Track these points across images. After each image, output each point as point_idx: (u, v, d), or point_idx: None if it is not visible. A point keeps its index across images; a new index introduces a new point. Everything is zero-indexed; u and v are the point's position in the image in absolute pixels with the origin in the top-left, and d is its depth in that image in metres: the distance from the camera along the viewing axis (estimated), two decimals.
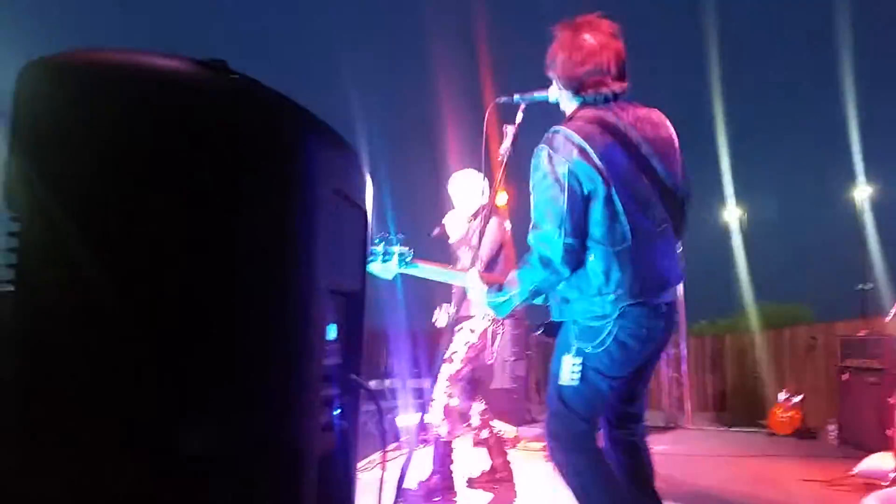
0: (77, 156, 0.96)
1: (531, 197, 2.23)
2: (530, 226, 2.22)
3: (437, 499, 3.99)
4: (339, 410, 1.11)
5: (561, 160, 2.14)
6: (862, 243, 15.20)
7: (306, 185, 1.05)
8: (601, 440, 2.41)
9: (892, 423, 4.63)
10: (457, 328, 4.11)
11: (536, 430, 6.85)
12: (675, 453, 6.30)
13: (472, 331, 4.06)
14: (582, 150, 2.13)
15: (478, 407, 4.28)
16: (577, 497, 2.29)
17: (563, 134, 2.18)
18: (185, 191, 0.96)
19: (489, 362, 4.14)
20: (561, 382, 2.22)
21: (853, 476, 4.82)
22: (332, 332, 1.10)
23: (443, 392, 3.95)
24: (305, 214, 1.02)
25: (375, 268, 2.86)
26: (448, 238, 4.22)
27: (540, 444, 5.85)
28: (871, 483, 4.52)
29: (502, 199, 7.54)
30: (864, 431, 5.84)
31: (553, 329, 2.38)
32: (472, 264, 3.92)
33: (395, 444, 5.62)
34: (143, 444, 0.89)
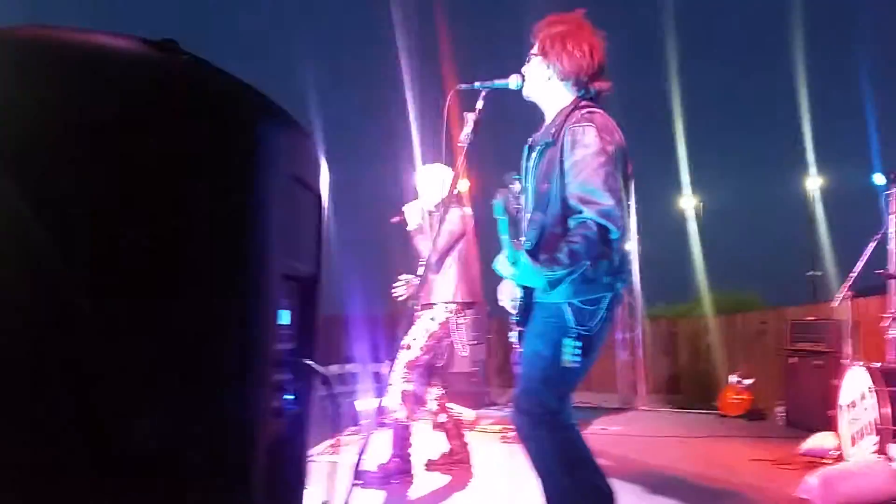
0: (15, 131, 0.93)
1: (573, 172, 2.23)
2: (577, 199, 2.20)
3: (395, 481, 4.02)
4: (291, 396, 1.11)
5: (609, 139, 2.25)
6: (812, 232, 15.68)
7: (258, 168, 1.03)
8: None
9: (835, 404, 4.82)
10: (417, 315, 4.13)
11: (495, 412, 6.95)
12: (628, 434, 6.45)
13: (433, 319, 4.08)
14: (618, 132, 2.31)
15: (435, 392, 4.32)
16: (541, 474, 2.34)
17: (601, 115, 2.31)
18: (127, 171, 0.94)
19: (463, 354, 4.19)
20: (561, 364, 2.25)
21: (798, 455, 5.01)
22: (285, 316, 1.09)
23: (400, 378, 3.98)
24: (257, 198, 1.01)
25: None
26: (406, 225, 4.23)
27: (498, 427, 5.93)
28: (815, 461, 4.70)
29: (464, 185, 7.56)
30: (810, 412, 6.05)
31: (530, 311, 2.40)
32: (433, 249, 3.92)
33: (354, 428, 5.63)
34: (86, 431, 0.87)
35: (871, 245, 5.04)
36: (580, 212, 2.20)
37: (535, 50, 2.49)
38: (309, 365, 1.13)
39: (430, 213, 4.26)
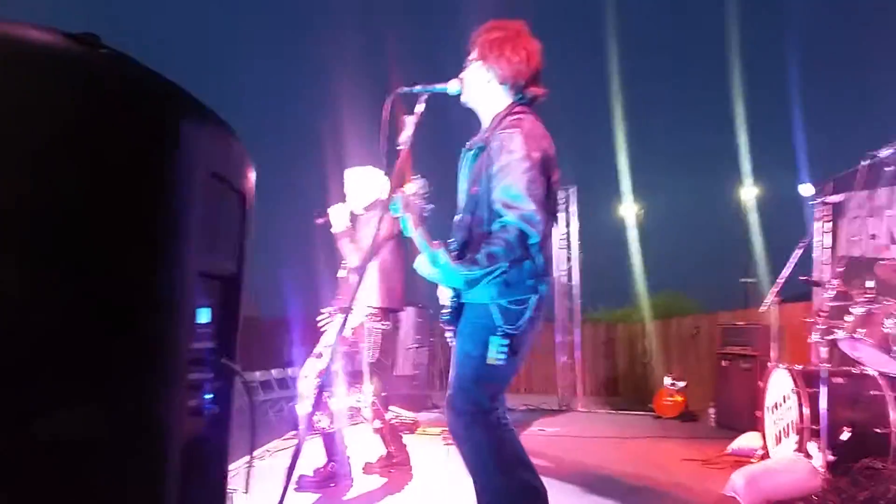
0: None
1: (498, 176, 2.30)
2: (500, 203, 2.27)
3: (332, 485, 3.99)
4: (210, 395, 1.10)
5: (535, 146, 2.30)
6: (747, 240, 16.27)
7: (178, 165, 1.02)
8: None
9: (761, 405, 5.01)
10: (332, 319, 4.09)
11: (436, 415, 6.97)
12: (565, 435, 6.57)
13: (347, 326, 4.00)
14: (547, 139, 2.37)
15: (368, 398, 4.24)
16: (474, 474, 2.37)
17: (531, 122, 2.37)
18: (40, 164, 0.92)
19: (370, 361, 4.12)
20: (488, 361, 2.30)
21: (727, 455, 5.19)
22: (204, 315, 1.08)
23: (313, 388, 3.92)
24: (175, 194, 1.00)
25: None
26: (330, 227, 4.17)
27: (439, 430, 5.95)
28: (742, 460, 4.88)
29: (410, 188, 7.55)
30: (739, 413, 6.28)
31: (459, 312, 2.43)
32: (360, 257, 3.90)
33: (293, 433, 5.56)
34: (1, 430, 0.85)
35: (798, 252, 5.24)
36: (502, 216, 2.26)
37: (474, 55, 2.53)
38: (229, 364, 1.12)
39: (357, 216, 4.23)
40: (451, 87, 2.57)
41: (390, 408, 6.55)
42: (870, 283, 4.48)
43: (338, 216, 4.11)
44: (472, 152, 2.51)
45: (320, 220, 4.18)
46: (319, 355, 4.00)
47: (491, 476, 2.35)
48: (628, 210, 17.62)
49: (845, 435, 4.17)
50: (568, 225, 9.68)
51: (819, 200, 6.14)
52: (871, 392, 4.37)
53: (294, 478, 3.97)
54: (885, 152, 4.68)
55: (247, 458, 4.81)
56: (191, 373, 1.02)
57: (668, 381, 8.00)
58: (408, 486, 4.12)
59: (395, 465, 4.31)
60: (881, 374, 4.40)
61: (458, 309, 2.44)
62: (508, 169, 2.28)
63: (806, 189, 7.17)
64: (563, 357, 9.46)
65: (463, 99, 2.58)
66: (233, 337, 1.17)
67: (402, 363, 8.04)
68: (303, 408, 3.97)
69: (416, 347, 8.12)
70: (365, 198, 4.23)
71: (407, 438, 5.91)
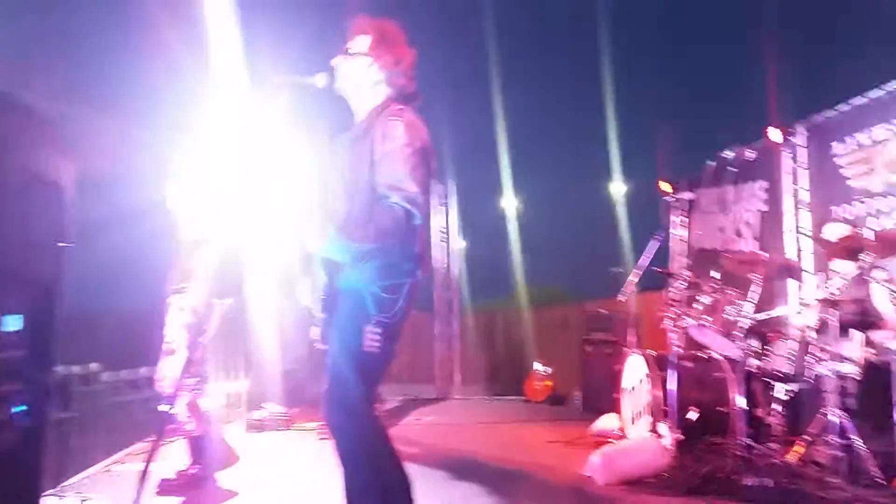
0: None
1: (382, 162, 2.36)
2: (386, 187, 2.32)
3: (195, 488, 3.84)
4: (22, 408, 1.03)
5: (417, 135, 2.41)
6: (615, 232, 17.22)
7: None
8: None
9: (619, 388, 5.33)
10: (168, 304, 3.89)
11: (311, 409, 6.87)
12: (440, 423, 6.70)
13: (182, 309, 3.79)
14: (426, 134, 2.46)
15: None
16: (346, 465, 2.37)
17: (411, 114, 2.46)
18: None
19: (202, 341, 3.87)
20: (364, 349, 2.32)
21: (589, 435, 5.49)
22: (12, 322, 1.01)
23: (180, 388, 3.71)
24: None
25: None
26: (168, 202, 3.98)
27: (314, 424, 5.88)
28: (602, 441, 5.17)
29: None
30: (602, 396, 6.63)
31: (335, 300, 2.44)
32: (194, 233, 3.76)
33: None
34: None
35: (653, 245, 5.60)
36: (388, 198, 2.32)
37: (359, 48, 2.56)
38: (44, 374, 1.05)
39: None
40: (319, 80, 2.57)
41: (264, 404, 6.39)
42: (716, 274, 4.88)
43: (175, 191, 3.93)
44: (349, 140, 2.55)
45: (159, 195, 3.97)
46: (172, 351, 3.80)
47: (361, 468, 2.37)
48: (508, 203, 18.16)
49: (692, 415, 4.53)
50: (447, 218, 9.83)
51: (674, 197, 6.58)
52: (716, 374, 4.76)
53: (155, 482, 3.81)
54: (728, 153, 5.11)
55: (102, 463, 4.53)
56: None
57: (537, 366, 8.33)
58: (279, 484, 4.05)
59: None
60: (724, 357, 4.81)
61: (331, 297, 2.46)
62: (393, 155, 2.36)
63: (664, 186, 7.68)
64: (442, 347, 9.61)
65: (342, 90, 2.60)
66: (48, 343, 1.10)
67: (280, 356, 7.86)
68: (166, 408, 3.75)
69: (294, 339, 7.96)
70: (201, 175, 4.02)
71: (281, 435, 5.85)
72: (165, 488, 3.76)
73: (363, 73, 2.55)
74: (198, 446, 3.93)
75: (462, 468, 4.39)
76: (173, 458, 4.03)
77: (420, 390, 9.29)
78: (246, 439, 5.60)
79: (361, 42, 2.56)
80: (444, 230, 9.76)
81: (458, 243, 10.15)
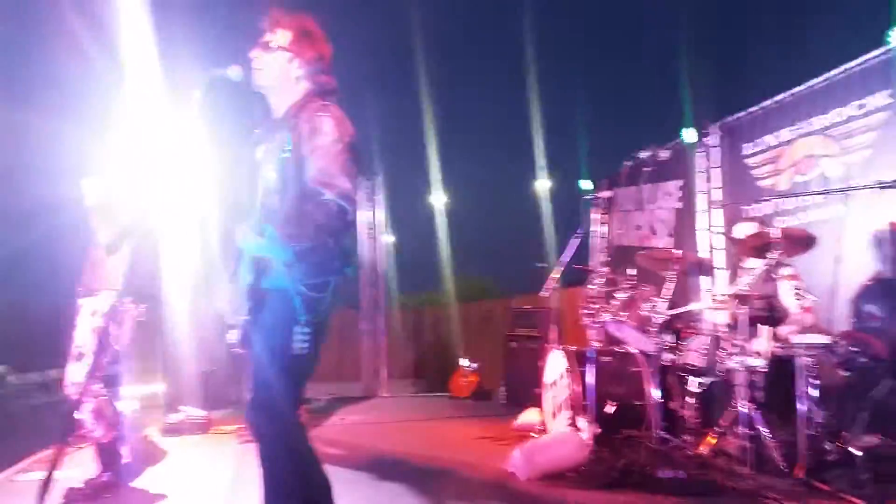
0: None
1: (312, 158, 2.32)
2: (318, 183, 2.27)
3: (105, 496, 3.67)
4: None
5: (345, 130, 2.38)
6: (540, 228, 17.56)
7: None
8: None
9: (541, 383, 5.41)
10: (79, 306, 3.73)
11: (231, 412, 6.69)
12: (365, 422, 6.64)
13: (94, 312, 3.64)
14: (351, 129, 2.42)
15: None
16: (267, 466, 2.31)
17: (337, 109, 2.42)
18: None
19: (116, 347, 3.75)
20: (291, 353, 2.26)
21: (512, 431, 5.56)
22: None
23: (86, 394, 3.55)
24: None
25: None
26: (84, 199, 3.79)
27: (234, 427, 5.72)
28: (525, 435, 5.24)
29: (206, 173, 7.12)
30: (525, 391, 6.74)
31: (259, 300, 2.37)
32: (110, 234, 3.62)
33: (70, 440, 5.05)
34: None
35: (574, 241, 5.71)
36: (321, 194, 2.27)
37: (278, 42, 2.51)
38: None
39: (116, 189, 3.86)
40: (232, 72, 2.51)
41: (181, 407, 6.18)
42: (632, 271, 5.02)
43: (92, 188, 3.74)
44: (271, 136, 2.48)
45: (74, 191, 3.77)
46: (80, 356, 3.63)
47: (285, 473, 2.32)
48: (436, 199, 18.24)
49: (610, 408, 4.65)
50: (374, 214, 9.76)
51: (594, 195, 6.74)
52: (632, 369, 4.90)
53: (61, 491, 3.61)
54: (644, 154, 5.27)
55: (6, 472, 4.26)
56: None
57: (463, 362, 8.39)
58: (196, 490, 3.92)
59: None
60: (640, 352, 4.95)
61: (255, 297, 2.39)
62: (324, 150, 2.32)
63: (585, 184, 7.87)
64: (369, 344, 9.54)
65: (260, 83, 2.53)
66: None
67: (198, 358, 7.62)
68: (74, 414, 3.55)
69: (214, 342, 7.72)
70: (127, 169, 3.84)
71: (199, 438, 5.66)
72: (72, 498, 3.58)
73: (283, 68, 2.50)
74: (107, 453, 3.76)
75: (386, 468, 4.36)
76: (85, 465, 3.84)
77: (345, 389, 9.21)
78: (162, 443, 5.40)
79: (282, 36, 2.51)
80: (372, 226, 9.70)
81: (386, 239, 10.08)
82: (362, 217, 9.66)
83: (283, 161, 2.39)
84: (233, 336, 2.51)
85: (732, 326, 4.52)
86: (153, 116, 2.71)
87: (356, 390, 9.15)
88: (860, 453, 3.43)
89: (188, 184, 3.89)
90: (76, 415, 3.43)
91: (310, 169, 2.32)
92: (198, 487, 4.00)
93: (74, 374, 3.64)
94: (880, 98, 4.83)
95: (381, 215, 9.82)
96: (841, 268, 4.92)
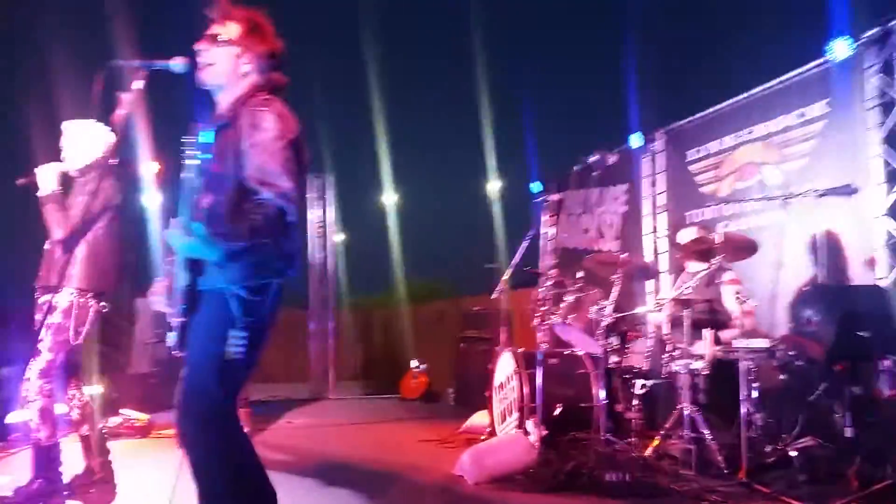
0: None
1: (251, 155, 2.22)
2: (256, 181, 2.18)
3: None
4: None
5: (287, 127, 2.27)
6: (492, 230, 17.67)
7: None
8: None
9: (491, 385, 5.42)
10: (38, 301, 3.59)
11: (172, 416, 6.51)
12: (311, 425, 6.54)
13: (55, 308, 3.50)
14: (296, 125, 2.32)
15: (78, 398, 3.71)
16: (201, 481, 2.20)
17: (281, 104, 2.32)
18: None
19: (74, 343, 3.61)
20: (226, 357, 2.16)
21: (461, 433, 5.55)
22: None
23: (36, 392, 3.41)
24: None
25: None
26: (36, 190, 3.62)
27: (174, 431, 5.57)
28: (474, 438, 5.24)
29: (154, 168, 6.93)
30: (474, 393, 6.74)
31: (194, 301, 2.24)
32: (65, 221, 3.49)
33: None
34: None
35: (525, 244, 5.74)
36: (258, 193, 2.18)
37: (227, 35, 2.41)
38: None
39: (73, 177, 3.70)
40: (177, 65, 2.45)
41: (121, 411, 5.98)
42: (580, 274, 5.07)
43: (45, 177, 3.56)
44: (212, 130, 2.36)
45: (21, 181, 3.59)
46: (38, 353, 3.46)
47: (219, 484, 2.21)
48: (388, 198, 18.20)
49: (557, 411, 4.68)
50: (325, 212, 9.65)
51: (543, 197, 6.79)
52: (579, 371, 4.95)
53: None
54: (592, 158, 5.35)
55: None
56: None
57: (413, 363, 8.36)
58: (133, 496, 3.77)
59: (96, 484, 3.69)
60: (587, 354, 5.00)
61: (190, 299, 2.25)
62: (263, 147, 2.22)
63: (536, 186, 7.93)
64: (317, 344, 9.42)
65: (205, 77, 2.44)
66: None
67: (138, 360, 7.40)
68: (26, 415, 3.39)
69: (155, 342, 7.51)
70: (82, 157, 3.68)
71: (139, 443, 5.47)
72: None
73: (231, 63, 2.41)
74: (46, 457, 3.57)
75: (333, 473, 4.30)
76: (17, 471, 3.67)
77: (293, 390, 9.07)
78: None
79: (231, 30, 2.42)
80: (322, 224, 9.58)
81: (336, 237, 9.97)
82: (312, 215, 9.56)
83: (221, 157, 2.29)
84: (171, 338, 2.40)
85: (675, 329, 4.61)
86: (92, 109, 2.59)
87: (304, 392, 9.02)
88: (797, 455, 3.53)
89: (133, 178, 3.76)
90: (24, 414, 3.27)
91: (248, 166, 2.22)
92: (136, 494, 3.85)
93: (29, 371, 3.47)
94: (818, 108, 5.00)
95: (331, 214, 9.72)
96: (780, 273, 5.07)
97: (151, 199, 7.47)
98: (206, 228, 2.13)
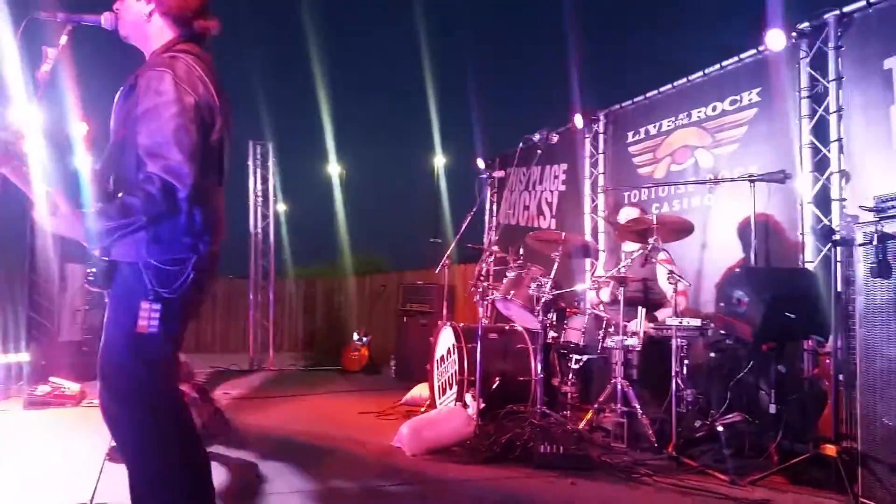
0: None
1: (141, 122, 2.02)
2: (144, 151, 2.00)
3: None
4: None
5: (188, 90, 2.06)
6: (437, 204, 17.69)
7: None
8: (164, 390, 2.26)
9: (431, 359, 5.47)
10: None
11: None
12: (250, 396, 6.48)
13: None
14: (204, 83, 2.11)
15: None
16: (128, 453, 2.13)
17: (185, 62, 2.10)
18: None
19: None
20: (138, 330, 2.04)
21: (400, 406, 5.59)
22: None
23: None
24: None
25: None
26: None
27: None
28: (413, 410, 5.28)
29: (82, 129, 6.61)
30: (415, 366, 6.81)
31: (109, 273, 2.12)
32: None
33: None
34: None
35: (468, 219, 5.77)
36: (146, 166, 2.00)
37: None
38: None
39: None
40: (105, 20, 2.25)
41: (51, 379, 5.79)
42: (521, 250, 5.14)
43: None
44: (121, 93, 2.19)
45: None
46: None
47: (145, 460, 2.13)
48: (332, 169, 17.96)
49: (495, 384, 4.76)
50: (266, 181, 9.46)
51: (488, 174, 6.83)
52: (519, 346, 5.05)
53: None
54: (536, 136, 5.39)
55: None
56: None
57: (355, 336, 8.35)
58: (61, 468, 3.67)
59: None
60: (526, 329, 5.10)
61: (108, 270, 2.14)
62: (154, 113, 2.01)
63: (479, 163, 7.95)
64: (257, 315, 9.30)
65: (122, 33, 2.27)
66: None
67: (69, 327, 7.16)
68: None
69: (87, 309, 7.28)
70: None
71: (70, 411, 5.32)
72: None
73: (136, 10, 2.22)
74: None
75: (270, 444, 4.26)
76: None
77: (232, 361, 8.94)
78: (25, 417, 5.07)
79: None
80: (261, 193, 9.40)
81: (279, 206, 9.79)
82: (252, 184, 9.36)
83: (117, 124, 2.14)
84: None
85: (611, 307, 4.74)
86: (10, 67, 2.45)
87: (242, 363, 8.91)
88: (723, 430, 3.69)
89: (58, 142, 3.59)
90: None
91: (139, 134, 2.03)
92: (65, 465, 3.75)
93: None
94: (751, 96, 5.16)
95: (273, 182, 9.53)
96: (708, 254, 5.26)
97: (81, 162, 7.17)
98: (68, 207, 1.98)
